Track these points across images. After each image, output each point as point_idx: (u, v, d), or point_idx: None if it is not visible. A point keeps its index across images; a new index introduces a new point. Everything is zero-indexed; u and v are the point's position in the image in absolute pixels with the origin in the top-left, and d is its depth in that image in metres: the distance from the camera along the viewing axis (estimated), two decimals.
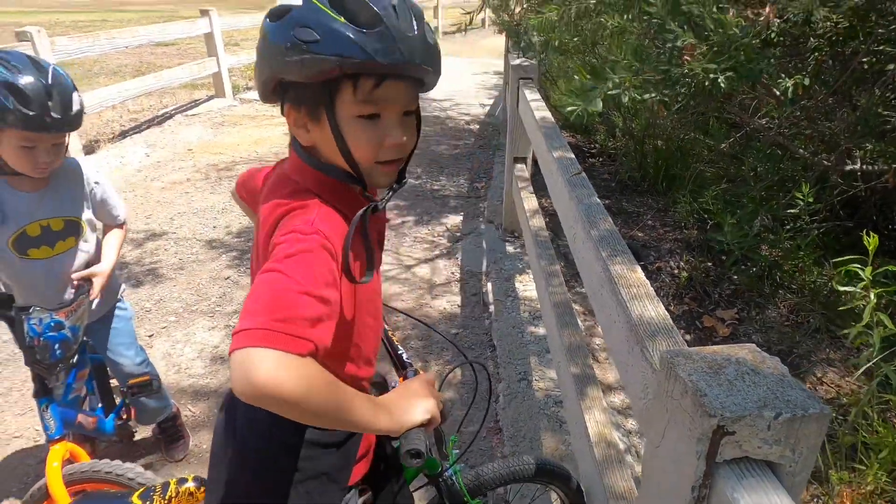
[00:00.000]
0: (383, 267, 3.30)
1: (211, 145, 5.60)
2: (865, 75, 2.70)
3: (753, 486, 0.68)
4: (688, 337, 2.79)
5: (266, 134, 5.92)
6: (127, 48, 5.90)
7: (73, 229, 1.59)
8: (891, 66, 2.48)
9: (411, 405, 0.89)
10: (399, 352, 1.22)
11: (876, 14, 2.35)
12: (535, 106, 2.60)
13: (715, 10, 2.33)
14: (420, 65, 0.80)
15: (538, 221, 2.58)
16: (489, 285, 3.08)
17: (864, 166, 2.97)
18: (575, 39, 3.97)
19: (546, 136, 2.17)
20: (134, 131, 6.00)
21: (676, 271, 3.59)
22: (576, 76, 3.04)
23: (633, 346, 1.03)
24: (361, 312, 0.94)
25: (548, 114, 2.51)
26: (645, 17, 2.70)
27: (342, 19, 0.75)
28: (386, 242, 3.61)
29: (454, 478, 1.26)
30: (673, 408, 0.75)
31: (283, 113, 0.87)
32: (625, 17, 2.84)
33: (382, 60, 0.76)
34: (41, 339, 1.46)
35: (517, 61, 3.19)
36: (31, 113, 1.31)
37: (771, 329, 2.85)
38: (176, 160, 5.15)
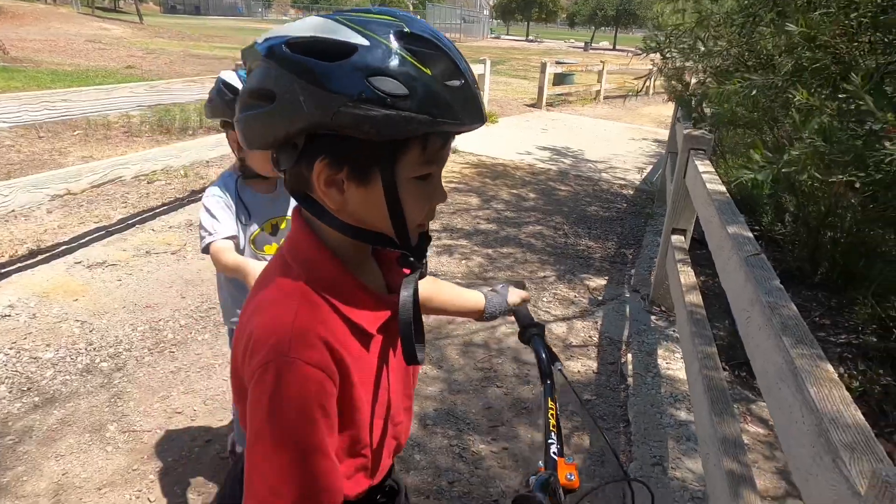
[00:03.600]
0: None
1: None
2: None
3: None
4: None
5: None
6: None
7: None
8: None
9: None
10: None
11: None
12: (707, 178, 2.49)
13: None
14: (483, 123, 0.72)
15: (695, 298, 2.43)
16: (629, 356, 2.93)
17: None
18: (754, 115, 3.78)
19: (720, 209, 2.06)
20: None
21: (848, 381, 3.16)
22: (752, 150, 2.88)
23: (822, 455, 0.91)
24: (370, 413, 0.79)
25: (721, 187, 2.39)
26: (840, 96, 2.50)
27: (428, 71, 0.65)
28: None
29: None
30: None
31: (288, 169, 0.73)
32: (814, 93, 2.65)
33: (469, 123, 0.68)
34: None
35: (690, 131, 3.09)
36: None
37: None
38: None
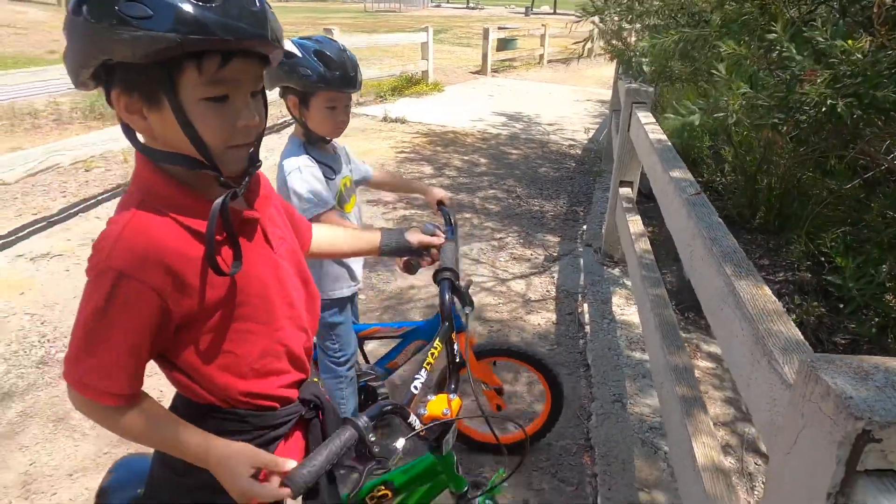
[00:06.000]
0: (480, 280, 3.36)
1: None
2: None
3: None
4: None
5: (372, 146, 6.21)
6: None
7: (354, 187, 1.83)
8: None
9: (229, 480, 0.84)
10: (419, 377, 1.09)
11: None
12: (650, 129, 2.59)
13: (840, 36, 2.23)
14: (266, 39, 0.75)
15: (644, 244, 2.55)
16: (585, 306, 3.06)
17: None
18: (688, 68, 3.92)
19: (662, 157, 2.16)
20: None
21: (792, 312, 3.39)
22: (686, 101, 3.01)
23: (758, 358, 1.01)
24: (235, 317, 0.87)
25: (663, 136, 2.49)
26: (763, 45, 2.63)
27: None
28: (482, 255, 3.72)
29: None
30: (810, 412, 0.74)
31: (108, 100, 0.78)
32: (742, 44, 2.77)
33: (226, 36, 0.70)
34: None
35: (631, 84, 3.19)
36: (337, 73, 1.54)
37: None
38: None
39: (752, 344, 1.05)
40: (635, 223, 2.82)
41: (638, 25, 4.39)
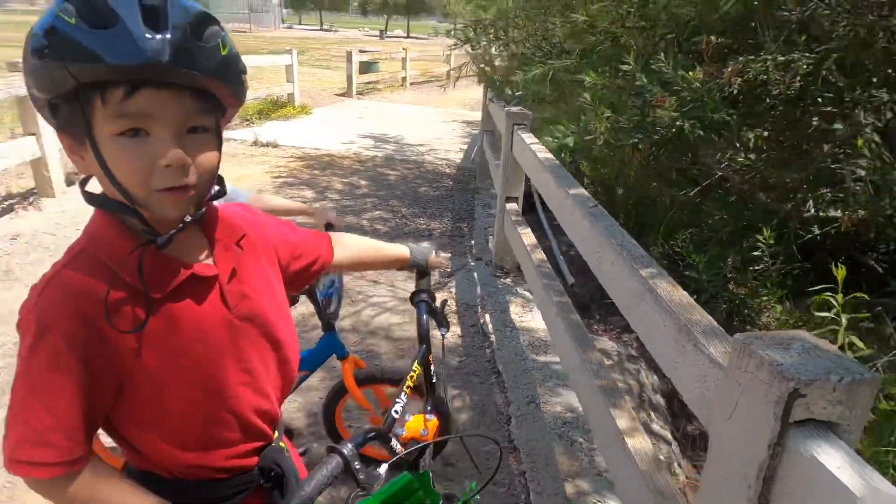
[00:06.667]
0: (381, 300, 3.38)
1: None
2: (815, 133, 3.04)
3: (819, 443, 0.83)
4: None
5: (246, 171, 5.99)
6: None
7: None
8: (837, 126, 2.82)
9: None
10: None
11: (821, 80, 2.70)
12: (537, 148, 2.83)
13: (681, 68, 2.64)
14: (176, 67, 0.67)
15: (539, 255, 2.77)
16: (487, 316, 3.22)
17: (820, 213, 3.30)
18: (555, 94, 4.32)
19: (555, 174, 2.38)
20: None
21: None
22: (558, 124, 3.34)
23: (684, 344, 1.19)
24: (172, 383, 0.80)
25: (550, 155, 2.73)
26: (619, 75, 3.03)
27: (73, 20, 0.65)
28: (380, 275, 3.77)
29: None
30: (747, 381, 0.91)
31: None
32: (601, 74, 3.15)
33: (112, 61, 0.64)
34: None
35: (510, 108, 3.44)
36: None
37: None
38: None
39: (676, 333, 1.22)
40: (527, 235, 3.04)
41: (504, 53, 4.74)
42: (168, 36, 0.66)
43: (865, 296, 2.01)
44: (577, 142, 3.15)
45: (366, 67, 13.92)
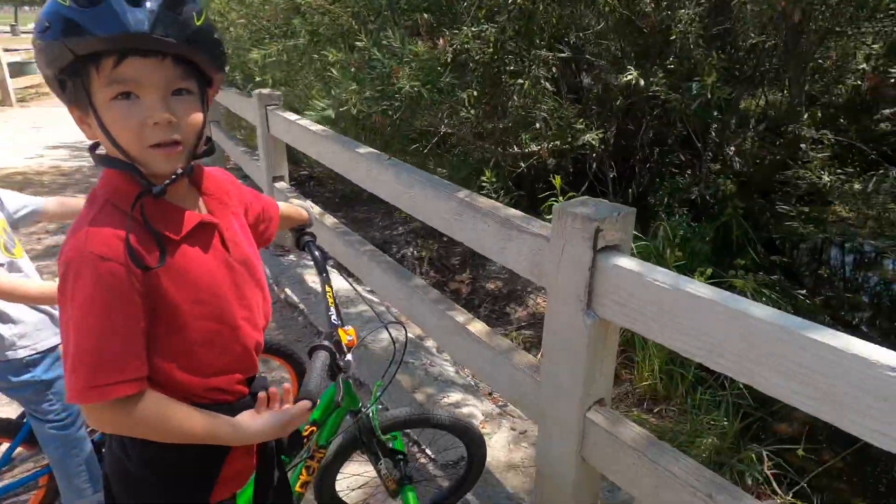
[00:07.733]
0: None
1: None
2: (511, 87, 3.87)
3: (615, 256, 1.35)
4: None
5: None
6: None
7: (14, 230, 1.62)
8: (522, 81, 3.64)
9: (252, 431, 0.96)
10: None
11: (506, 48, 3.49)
12: (307, 123, 3.03)
13: (408, 43, 3.16)
14: (157, 36, 0.78)
15: (331, 219, 3.01)
16: (287, 290, 3.35)
17: (524, 150, 4.22)
18: (289, 74, 4.50)
19: (339, 141, 2.65)
20: None
21: (416, 255, 4.43)
22: (313, 101, 3.61)
23: (508, 231, 1.62)
24: (195, 315, 0.91)
25: (318, 126, 2.97)
26: (356, 51, 3.43)
27: (67, 2, 0.77)
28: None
29: (371, 416, 1.53)
30: (569, 232, 1.38)
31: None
32: (341, 51, 3.50)
33: (100, 33, 0.76)
34: None
35: (261, 91, 3.54)
36: None
37: (496, 278, 3.85)
38: None
39: (499, 227, 1.66)
40: (312, 206, 3.25)
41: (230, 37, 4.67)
42: (147, 7, 0.78)
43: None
44: (335, 111, 3.46)
45: (19, 69, 11.59)
